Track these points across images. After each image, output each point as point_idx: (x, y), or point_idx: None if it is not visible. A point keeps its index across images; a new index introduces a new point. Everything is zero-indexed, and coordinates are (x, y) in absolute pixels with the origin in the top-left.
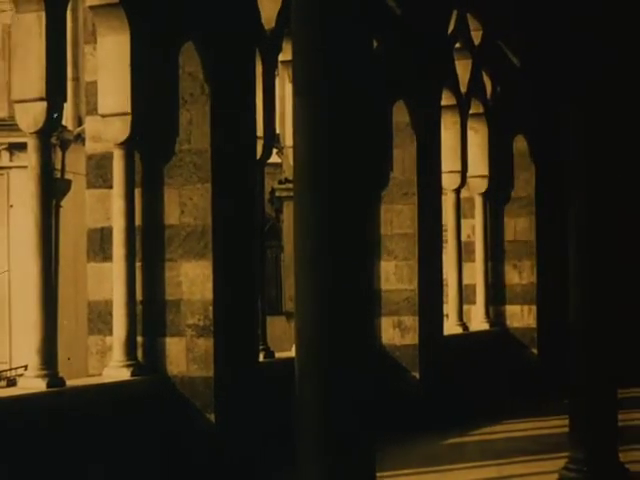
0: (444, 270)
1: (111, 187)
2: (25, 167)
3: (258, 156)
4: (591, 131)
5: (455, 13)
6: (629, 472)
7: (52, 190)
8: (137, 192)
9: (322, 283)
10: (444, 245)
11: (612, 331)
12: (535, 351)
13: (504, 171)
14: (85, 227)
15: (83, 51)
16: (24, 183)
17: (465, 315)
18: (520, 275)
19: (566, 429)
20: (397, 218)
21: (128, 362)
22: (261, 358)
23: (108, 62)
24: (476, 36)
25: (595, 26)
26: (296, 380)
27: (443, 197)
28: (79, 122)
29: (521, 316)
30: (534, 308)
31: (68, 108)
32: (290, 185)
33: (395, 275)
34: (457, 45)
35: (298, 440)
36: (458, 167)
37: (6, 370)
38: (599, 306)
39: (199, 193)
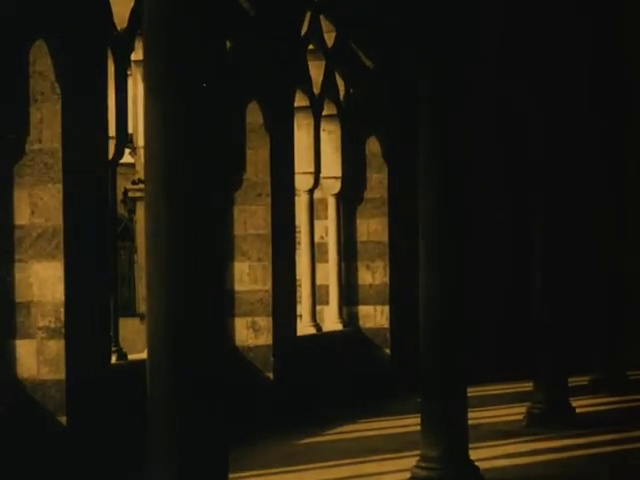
0: (297, 271)
1: None
2: None
3: (110, 156)
4: (443, 132)
5: (308, 14)
6: (479, 469)
7: None
8: None
9: (174, 284)
10: (297, 246)
11: (462, 330)
12: (388, 351)
13: (357, 172)
14: None
15: None
16: None
17: (318, 315)
18: (373, 276)
19: (419, 427)
20: (251, 219)
21: None
22: (114, 360)
23: None
24: (329, 38)
25: (446, 27)
26: (148, 381)
27: (296, 198)
28: None
29: (374, 316)
30: (387, 308)
31: None
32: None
33: (249, 276)
34: (310, 46)
35: (149, 441)
36: (311, 168)
37: None
38: (447, 305)
39: (50, 193)
